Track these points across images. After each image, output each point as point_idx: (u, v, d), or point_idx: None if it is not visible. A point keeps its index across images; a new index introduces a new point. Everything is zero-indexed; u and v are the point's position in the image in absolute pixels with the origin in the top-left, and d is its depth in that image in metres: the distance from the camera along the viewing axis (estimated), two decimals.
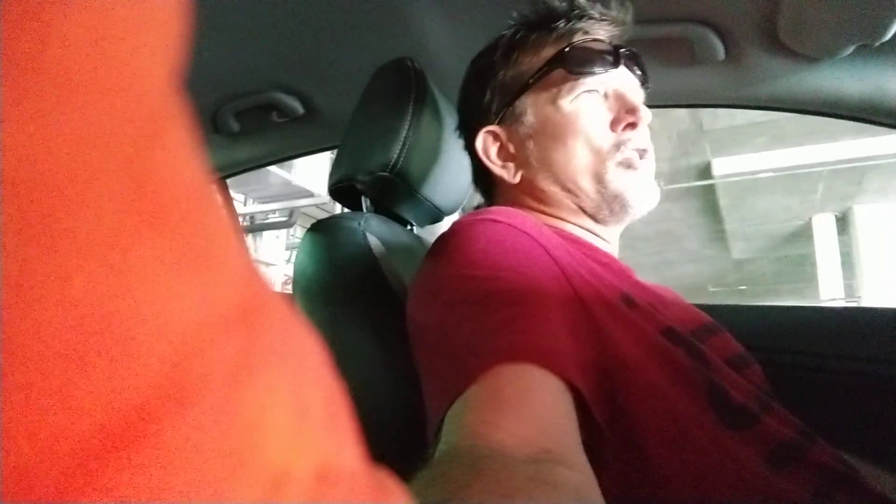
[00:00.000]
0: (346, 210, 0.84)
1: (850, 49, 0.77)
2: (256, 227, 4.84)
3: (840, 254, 6.59)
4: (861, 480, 0.46)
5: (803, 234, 6.98)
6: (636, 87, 0.67)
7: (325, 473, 0.10)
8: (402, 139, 0.73)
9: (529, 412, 0.35)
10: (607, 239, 0.67)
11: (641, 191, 0.64)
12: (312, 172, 4.57)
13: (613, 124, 0.63)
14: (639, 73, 0.68)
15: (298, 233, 5.28)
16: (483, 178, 0.73)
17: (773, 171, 5.40)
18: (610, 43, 0.65)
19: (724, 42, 0.83)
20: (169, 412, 0.08)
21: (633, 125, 0.63)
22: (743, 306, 0.93)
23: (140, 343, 0.08)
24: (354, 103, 0.81)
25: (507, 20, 0.69)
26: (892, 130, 0.86)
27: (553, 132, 0.64)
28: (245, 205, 4.84)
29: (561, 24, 0.65)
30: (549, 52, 0.65)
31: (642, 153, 0.64)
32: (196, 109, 0.09)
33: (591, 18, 0.65)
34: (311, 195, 4.64)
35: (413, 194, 0.78)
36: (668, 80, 0.89)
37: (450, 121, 0.81)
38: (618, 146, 0.63)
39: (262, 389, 0.10)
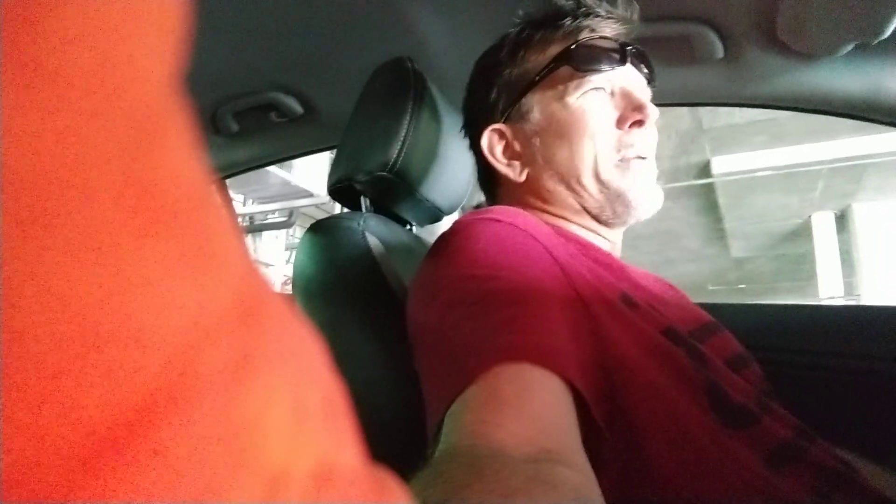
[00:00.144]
0: (345, 210, 0.84)
1: (849, 47, 0.77)
2: (256, 228, 4.84)
3: (839, 252, 6.59)
4: (860, 480, 0.46)
5: (802, 232, 6.98)
6: (643, 85, 0.67)
7: (324, 473, 0.11)
8: (401, 139, 0.73)
9: (529, 412, 0.35)
10: (610, 239, 0.67)
11: (644, 191, 0.63)
12: (312, 172, 4.58)
13: (620, 122, 0.63)
14: (645, 71, 0.67)
15: (298, 233, 5.28)
16: (487, 176, 0.73)
17: (773, 169, 5.40)
18: (617, 40, 0.65)
19: (722, 40, 0.83)
20: (169, 412, 0.08)
21: (640, 122, 0.63)
22: (742, 305, 0.93)
23: (140, 343, 0.08)
24: (353, 103, 0.81)
25: (507, 20, 0.69)
26: (891, 128, 0.86)
27: (559, 129, 0.64)
28: (244, 205, 4.84)
29: (567, 21, 0.64)
30: (555, 49, 0.65)
31: (644, 155, 0.64)
32: (195, 110, 0.09)
33: (597, 16, 0.64)
34: (310, 195, 4.65)
35: (412, 194, 0.78)
36: (666, 78, 0.89)
37: (449, 120, 0.81)
38: (619, 147, 0.63)
39: (261, 389, 0.10)
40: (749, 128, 4.86)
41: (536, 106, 0.66)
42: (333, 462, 0.11)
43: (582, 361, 0.42)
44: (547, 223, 0.61)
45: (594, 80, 0.63)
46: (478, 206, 1.05)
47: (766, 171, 5.43)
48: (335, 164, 0.80)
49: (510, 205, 0.63)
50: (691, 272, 8.56)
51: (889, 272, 6.07)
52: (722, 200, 6.19)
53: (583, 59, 0.63)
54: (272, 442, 0.10)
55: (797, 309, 0.91)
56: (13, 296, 0.07)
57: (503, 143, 0.69)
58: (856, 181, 5.71)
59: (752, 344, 0.62)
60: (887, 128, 0.86)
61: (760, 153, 5.32)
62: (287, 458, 0.10)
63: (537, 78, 0.65)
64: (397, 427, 0.62)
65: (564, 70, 0.64)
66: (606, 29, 0.65)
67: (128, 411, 0.08)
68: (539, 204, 0.67)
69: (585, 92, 0.63)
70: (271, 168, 3.98)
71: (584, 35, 0.64)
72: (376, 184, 0.75)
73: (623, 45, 0.64)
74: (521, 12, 0.69)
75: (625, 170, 0.63)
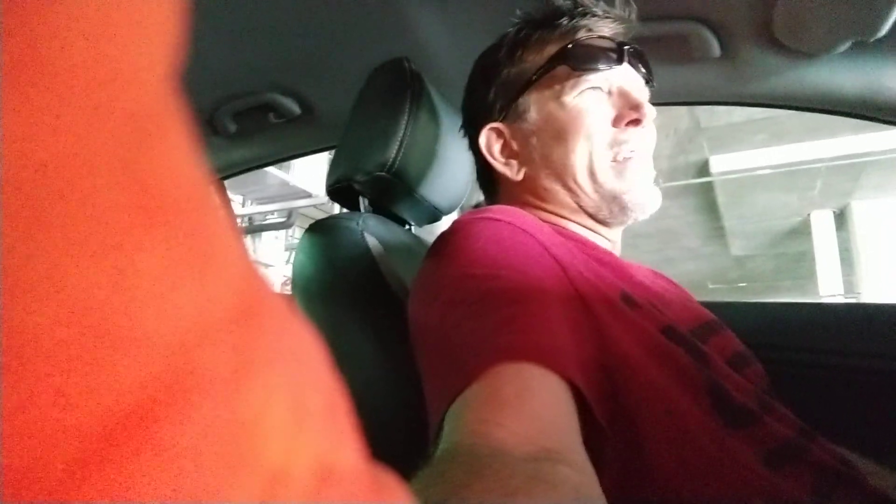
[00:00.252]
0: (344, 210, 0.84)
1: (846, 45, 0.77)
2: (255, 228, 4.84)
3: (839, 250, 6.60)
4: (860, 479, 0.46)
5: (802, 230, 6.98)
6: (641, 84, 0.67)
7: (325, 472, 0.11)
8: (400, 139, 0.73)
9: (530, 411, 0.35)
10: (609, 238, 0.67)
11: (639, 193, 0.63)
12: (310, 173, 4.57)
13: (616, 121, 0.63)
14: (643, 70, 0.67)
15: (297, 233, 5.28)
16: (486, 176, 0.73)
17: (771, 167, 5.41)
18: (614, 40, 0.65)
19: (719, 39, 0.83)
20: (168, 412, 0.08)
21: (636, 122, 0.63)
22: (742, 303, 0.94)
23: (139, 343, 0.08)
24: (352, 104, 0.81)
25: (505, 20, 0.69)
26: (890, 126, 0.86)
27: (556, 129, 0.64)
28: (243, 206, 4.84)
29: (564, 21, 0.64)
30: (552, 49, 0.65)
31: (639, 154, 0.63)
32: (194, 110, 0.09)
33: (594, 16, 0.64)
34: (309, 196, 4.64)
35: (411, 194, 0.78)
36: (663, 77, 0.89)
37: (447, 120, 0.81)
38: (612, 145, 0.63)
39: (261, 389, 0.10)
40: (747, 126, 4.87)
41: (534, 105, 0.66)
42: (333, 461, 0.11)
43: (582, 360, 0.42)
44: (546, 222, 0.61)
45: (591, 79, 0.63)
46: (476, 206, 1.05)
47: (764, 169, 5.44)
48: (334, 165, 0.80)
49: (509, 204, 0.63)
50: (691, 271, 8.57)
51: (889, 270, 6.07)
52: (721, 199, 6.20)
53: (579, 59, 0.63)
54: (272, 442, 0.10)
55: (797, 307, 0.91)
56: (13, 296, 0.07)
57: (501, 141, 0.69)
58: (855, 179, 5.72)
59: (753, 342, 0.62)
60: (886, 125, 0.86)
61: (759, 152, 5.32)
62: (287, 457, 0.10)
63: (534, 77, 0.65)
64: (397, 426, 0.62)
65: (561, 69, 0.64)
66: (604, 28, 0.65)
67: (128, 411, 0.08)
68: (537, 203, 0.67)
69: (582, 91, 0.63)
70: (270, 169, 3.98)
71: (582, 34, 0.64)
72: (375, 184, 0.75)
73: (620, 45, 0.64)
74: (519, 12, 0.69)
75: (620, 170, 0.63)
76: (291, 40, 0.93)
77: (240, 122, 1.14)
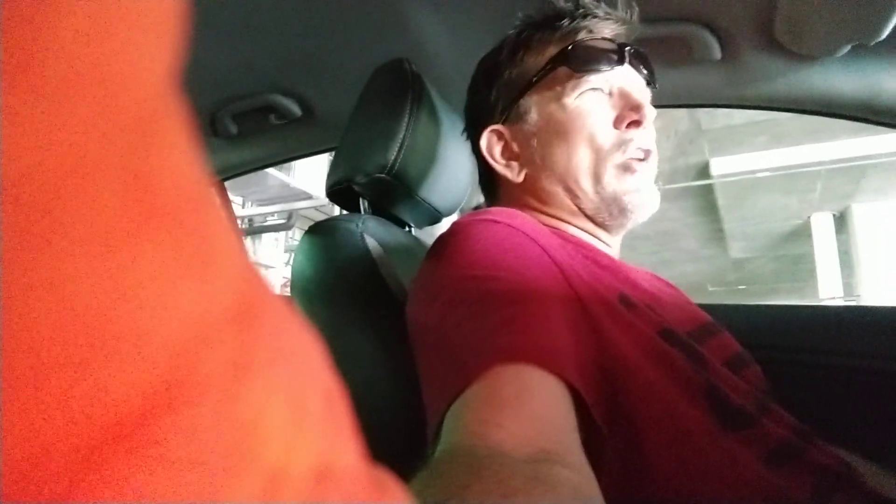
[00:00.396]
0: (344, 212, 0.84)
1: (847, 48, 0.77)
2: (255, 230, 4.84)
3: (839, 252, 6.60)
4: (859, 480, 0.46)
5: (802, 233, 6.99)
6: (642, 85, 0.67)
7: (324, 473, 0.11)
8: (400, 141, 0.73)
9: (528, 412, 0.35)
10: (607, 243, 0.67)
11: (640, 195, 0.63)
12: (311, 174, 4.57)
13: (617, 122, 0.63)
14: (645, 72, 0.67)
15: (297, 235, 5.27)
16: (487, 178, 0.73)
17: (772, 170, 5.41)
18: (615, 41, 0.65)
19: (720, 41, 0.83)
20: (168, 412, 0.08)
21: (637, 123, 0.63)
22: (742, 305, 0.93)
23: (138, 343, 0.08)
24: (352, 105, 0.81)
25: (506, 21, 0.69)
26: (890, 129, 0.86)
27: (557, 130, 0.64)
28: (243, 207, 4.83)
29: (565, 22, 0.64)
30: (553, 50, 0.65)
31: (646, 154, 0.63)
32: (194, 112, 0.09)
33: (595, 17, 0.64)
34: (309, 197, 4.64)
35: (411, 196, 0.78)
36: (664, 79, 0.89)
37: (447, 122, 0.81)
38: (619, 146, 0.62)
39: (261, 390, 0.10)
40: (748, 129, 4.87)
41: (534, 107, 0.66)
42: (333, 462, 0.11)
43: (581, 362, 0.42)
44: (545, 224, 0.61)
45: (592, 80, 0.63)
46: (476, 208, 1.05)
47: (765, 172, 5.44)
48: (334, 166, 0.80)
49: (509, 206, 0.63)
50: (690, 273, 8.57)
51: (888, 273, 6.07)
52: (721, 201, 6.20)
53: (580, 60, 0.63)
54: (271, 442, 0.10)
55: (797, 309, 0.91)
56: (13, 296, 0.07)
57: (502, 143, 0.69)
58: (855, 182, 5.72)
59: (752, 344, 0.62)
60: (886, 128, 0.86)
61: (759, 154, 5.33)
62: (286, 458, 0.10)
63: (535, 79, 0.65)
64: (397, 427, 0.62)
65: (562, 71, 0.64)
66: (605, 30, 0.65)
67: (127, 412, 0.08)
68: (537, 205, 0.67)
69: (583, 92, 0.63)
70: (270, 170, 3.98)
71: (582, 36, 0.64)
72: (375, 185, 0.75)
73: (621, 46, 0.64)
74: (520, 14, 0.69)
75: (623, 173, 0.62)
76: (292, 41, 0.93)
77: (240, 124, 1.14)
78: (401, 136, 0.73)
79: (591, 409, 0.40)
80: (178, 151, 0.09)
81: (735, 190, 5.88)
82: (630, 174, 0.62)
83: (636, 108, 0.62)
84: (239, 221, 4.59)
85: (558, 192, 0.65)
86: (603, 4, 0.66)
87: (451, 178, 0.83)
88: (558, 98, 0.64)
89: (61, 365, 0.07)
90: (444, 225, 0.85)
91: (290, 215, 4.69)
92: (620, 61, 0.64)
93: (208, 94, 1.06)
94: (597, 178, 0.63)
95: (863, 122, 0.86)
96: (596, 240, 0.66)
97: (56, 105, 0.07)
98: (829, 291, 6.54)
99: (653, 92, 0.68)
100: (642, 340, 0.48)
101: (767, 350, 0.77)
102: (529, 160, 0.67)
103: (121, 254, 0.08)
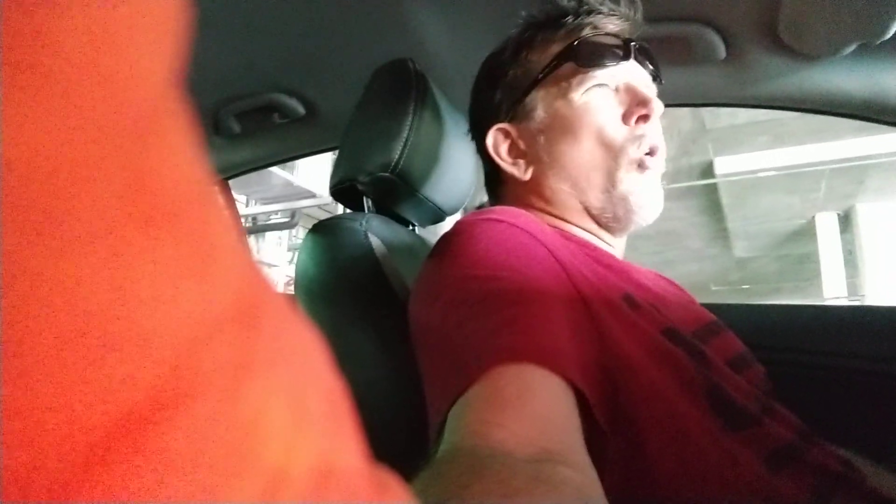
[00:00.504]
0: (347, 211, 0.84)
1: (851, 47, 0.76)
2: (258, 229, 4.85)
3: (843, 252, 6.57)
4: (860, 481, 0.46)
5: (806, 232, 6.96)
6: (648, 81, 0.66)
7: (325, 473, 0.11)
8: (404, 139, 0.73)
9: (531, 412, 0.35)
10: (611, 243, 0.67)
11: (648, 195, 0.63)
12: (314, 173, 4.58)
13: (625, 117, 0.62)
14: (650, 67, 0.67)
15: (300, 233, 5.28)
16: (493, 177, 0.73)
17: (776, 169, 5.39)
18: (620, 36, 0.64)
19: (724, 41, 0.83)
20: (169, 412, 0.08)
21: (645, 117, 0.62)
22: (746, 305, 0.93)
23: (140, 343, 0.08)
24: (355, 104, 0.81)
25: (508, 20, 0.69)
26: (894, 128, 0.85)
27: (563, 126, 0.64)
28: (247, 206, 4.84)
29: (569, 19, 0.64)
30: (557, 47, 0.64)
31: (654, 150, 0.63)
32: (197, 111, 0.09)
33: (599, 13, 0.64)
34: (313, 196, 4.65)
35: (414, 194, 0.78)
36: (668, 79, 0.89)
37: (450, 121, 0.81)
38: (632, 141, 0.62)
39: (262, 390, 0.10)
40: (752, 128, 4.85)
41: (540, 103, 0.66)
42: (334, 462, 0.11)
43: (583, 362, 0.42)
44: (549, 224, 0.61)
45: (597, 76, 0.63)
46: (480, 207, 1.05)
47: (769, 171, 5.42)
48: (337, 165, 0.80)
49: (514, 205, 0.62)
50: (694, 272, 8.55)
51: (893, 273, 6.05)
52: (725, 201, 6.18)
53: (585, 56, 0.63)
54: (272, 442, 0.10)
55: (801, 309, 0.91)
56: (14, 297, 0.07)
57: (508, 142, 0.68)
58: (859, 182, 5.69)
59: (755, 344, 0.62)
60: (890, 128, 0.86)
61: (763, 154, 5.31)
62: (287, 457, 0.10)
63: (540, 76, 0.65)
64: (399, 427, 0.62)
65: (567, 67, 0.64)
66: (609, 26, 0.64)
67: (128, 412, 0.08)
68: (542, 205, 0.67)
69: (589, 88, 0.63)
70: (274, 169, 3.99)
71: (587, 32, 0.64)
72: (378, 184, 0.75)
73: (627, 41, 0.64)
74: (523, 13, 0.69)
75: (636, 171, 0.62)
76: (295, 41, 0.93)
77: (243, 123, 1.14)
78: (404, 134, 0.73)
79: (594, 409, 0.39)
80: (180, 151, 0.09)
81: (739, 189, 5.86)
82: (642, 172, 0.62)
83: (643, 102, 0.62)
84: (242, 220, 4.60)
85: (565, 189, 0.64)
86: (607, 1, 0.65)
87: (455, 177, 0.83)
88: (564, 94, 0.64)
89: (62, 365, 0.07)
90: (448, 224, 0.85)
91: (293, 214, 4.70)
92: (626, 56, 0.63)
93: (211, 93, 1.06)
94: (609, 175, 0.62)
95: (867, 121, 0.86)
96: (599, 240, 0.65)
97: (57, 105, 0.07)
98: (833, 291, 6.51)
99: (657, 90, 0.68)
100: (645, 340, 0.48)
101: (770, 350, 0.77)
102: (536, 158, 0.66)
103: (122, 253, 0.08)
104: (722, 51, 0.84)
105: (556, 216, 0.66)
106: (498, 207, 0.59)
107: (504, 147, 0.68)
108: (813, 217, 6.67)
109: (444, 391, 0.41)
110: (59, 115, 0.07)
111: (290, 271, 4.82)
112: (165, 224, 0.09)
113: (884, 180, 5.61)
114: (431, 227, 0.94)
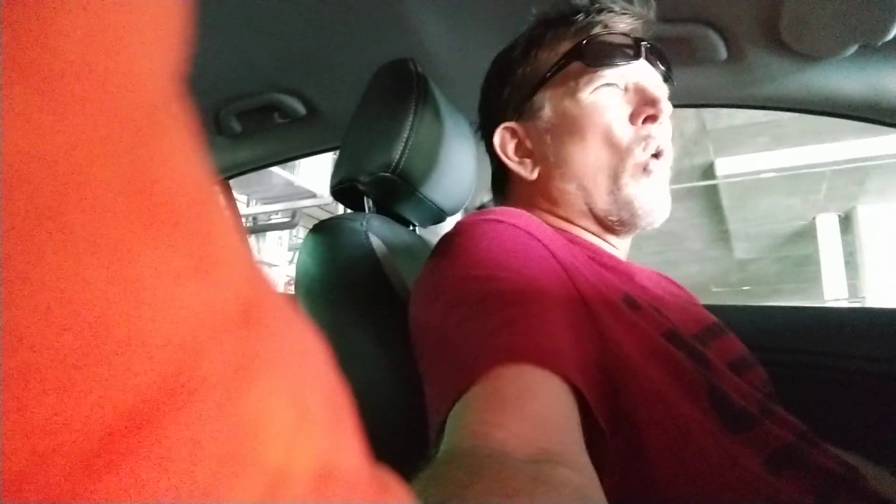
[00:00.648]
0: (348, 211, 0.84)
1: (853, 49, 0.76)
2: (259, 228, 4.85)
3: (843, 254, 6.57)
4: (861, 483, 0.46)
5: (806, 234, 6.96)
6: (658, 81, 0.65)
7: (326, 473, 0.11)
8: (404, 139, 0.73)
9: (531, 412, 0.35)
10: (615, 245, 0.66)
11: (653, 199, 0.62)
12: (315, 173, 4.58)
13: (633, 117, 0.62)
14: (662, 67, 0.66)
15: (301, 233, 5.28)
16: (500, 176, 0.72)
17: (776, 171, 5.39)
18: (630, 35, 0.63)
19: (725, 42, 0.83)
20: (170, 413, 0.08)
21: (653, 118, 0.61)
22: (746, 306, 0.93)
23: (141, 343, 0.08)
24: (356, 104, 0.81)
25: (511, 20, 0.69)
26: (895, 130, 0.85)
27: (571, 126, 0.63)
28: (248, 206, 4.85)
29: (580, 18, 0.64)
30: (566, 45, 0.64)
31: (660, 152, 0.62)
32: (198, 111, 0.09)
33: (611, 12, 0.63)
34: (313, 196, 4.65)
35: (415, 195, 0.78)
36: None
37: (451, 122, 0.81)
38: (638, 142, 0.61)
39: (263, 390, 0.10)
40: (752, 129, 4.85)
41: (548, 102, 0.65)
42: (334, 462, 0.11)
43: (583, 362, 0.42)
44: (551, 225, 0.60)
45: (606, 75, 0.62)
46: (481, 207, 1.05)
47: (769, 172, 5.42)
48: (338, 165, 0.80)
49: (518, 206, 0.62)
50: (694, 274, 8.55)
51: (893, 274, 6.04)
52: (725, 202, 6.18)
53: (594, 55, 0.62)
54: (273, 442, 0.10)
55: (801, 311, 0.91)
56: (14, 297, 0.07)
57: (515, 141, 0.68)
58: (860, 183, 5.69)
59: (757, 345, 0.62)
60: (891, 129, 0.86)
61: (764, 155, 5.31)
62: (288, 458, 0.10)
63: (549, 74, 0.65)
64: (399, 428, 0.62)
65: (576, 66, 0.63)
66: (621, 24, 0.64)
67: (129, 412, 0.08)
68: (546, 206, 0.66)
69: (597, 87, 0.62)
70: (275, 169, 3.99)
71: (597, 31, 0.63)
72: (379, 184, 0.75)
73: (637, 41, 0.63)
74: (534, 10, 0.68)
75: (641, 175, 0.61)
76: (296, 41, 0.93)
77: (244, 122, 1.14)
78: (405, 134, 0.73)
79: (594, 410, 0.39)
80: (182, 151, 0.09)
81: (740, 191, 5.86)
82: (646, 176, 0.61)
83: (652, 102, 0.61)
84: (243, 220, 4.60)
85: (571, 190, 0.64)
86: (619, 0, 0.64)
87: (456, 177, 0.83)
88: (572, 93, 0.63)
89: (63, 365, 0.07)
90: (449, 224, 0.85)
91: (294, 213, 4.70)
92: (636, 56, 0.62)
93: (212, 93, 1.06)
94: (615, 177, 0.61)
95: (869, 122, 0.86)
96: (604, 242, 0.65)
97: (58, 105, 0.07)
98: (833, 293, 6.51)
99: (668, 91, 0.67)
100: (645, 341, 0.48)
101: (771, 351, 0.77)
102: (543, 157, 0.66)
103: (123, 254, 0.08)
104: (723, 51, 0.84)
105: (561, 217, 0.66)
106: (498, 208, 0.59)
107: (511, 146, 0.68)
108: (813, 219, 6.67)
109: (443, 391, 0.41)
110: (59, 115, 0.07)
111: (291, 271, 4.82)
112: (167, 224, 0.09)
113: (885, 182, 5.61)
114: (432, 228, 0.94)
